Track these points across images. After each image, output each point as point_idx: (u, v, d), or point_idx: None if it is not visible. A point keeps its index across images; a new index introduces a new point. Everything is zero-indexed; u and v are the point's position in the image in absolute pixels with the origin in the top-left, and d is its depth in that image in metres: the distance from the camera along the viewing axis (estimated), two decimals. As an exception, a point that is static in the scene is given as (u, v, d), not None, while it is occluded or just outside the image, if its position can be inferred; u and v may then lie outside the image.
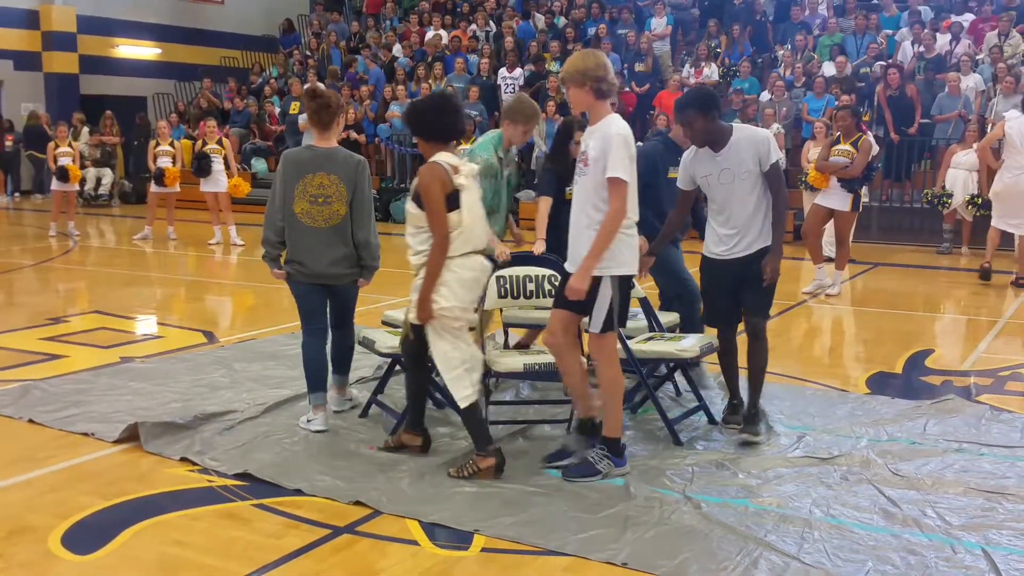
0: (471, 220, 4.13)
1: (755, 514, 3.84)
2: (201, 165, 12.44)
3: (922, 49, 14.38)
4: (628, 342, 4.72)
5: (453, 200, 4.08)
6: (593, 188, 3.98)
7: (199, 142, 13.01)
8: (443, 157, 4.15)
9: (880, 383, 6.02)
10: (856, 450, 4.60)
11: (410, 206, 4.16)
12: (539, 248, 5.14)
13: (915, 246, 12.70)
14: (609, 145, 3.92)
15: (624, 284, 4.10)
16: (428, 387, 4.67)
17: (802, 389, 5.78)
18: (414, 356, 4.39)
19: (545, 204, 5.32)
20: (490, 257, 4.50)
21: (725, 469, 4.35)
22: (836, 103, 13.05)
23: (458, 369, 4.14)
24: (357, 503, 3.91)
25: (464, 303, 4.14)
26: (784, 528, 3.69)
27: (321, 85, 5.27)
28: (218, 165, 12.49)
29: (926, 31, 14.66)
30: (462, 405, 4.14)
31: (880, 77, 13.70)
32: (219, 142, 12.68)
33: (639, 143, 4.65)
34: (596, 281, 3.99)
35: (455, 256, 4.10)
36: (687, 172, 4.70)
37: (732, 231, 4.56)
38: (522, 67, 16.26)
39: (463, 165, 4.19)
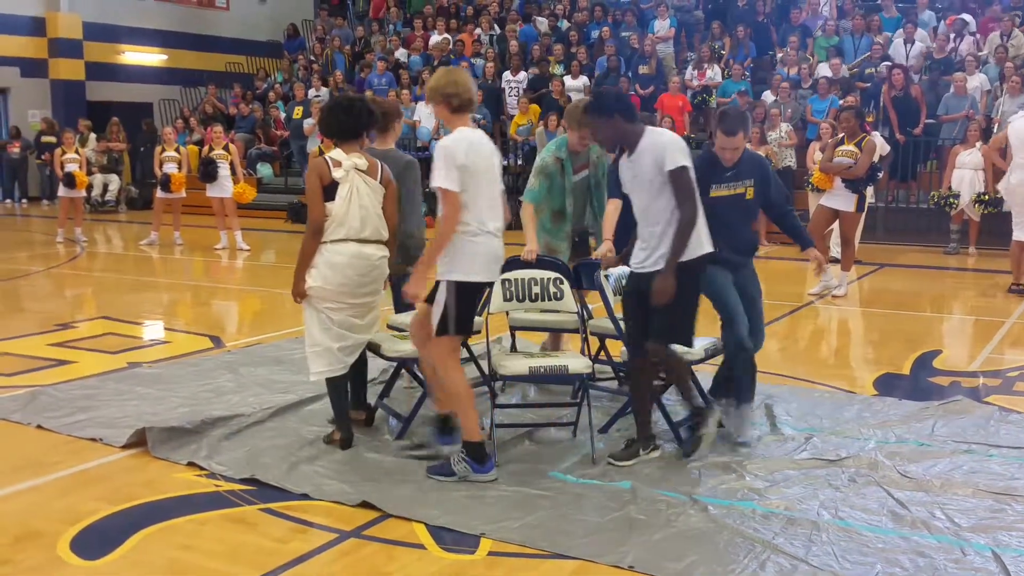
0: (344, 210, 4.46)
1: (762, 516, 3.83)
2: (208, 170, 12.48)
3: (932, 47, 14.35)
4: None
5: (330, 191, 4.45)
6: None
7: (205, 147, 13.04)
8: (332, 152, 4.55)
9: (888, 384, 6.00)
10: (864, 452, 4.59)
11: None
12: (603, 250, 5.14)
13: (921, 247, 12.67)
14: (435, 156, 4.11)
15: (465, 291, 4.11)
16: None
17: (809, 391, 5.77)
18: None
19: (613, 206, 5.24)
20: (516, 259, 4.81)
21: (732, 471, 4.34)
22: (840, 104, 13.05)
23: (316, 348, 4.55)
24: (364, 505, 3.91)
25: (333, 284, 4.46)
26: (792, 530, 3.68)
27: (380, 98, 5.79)
28: (224, 170, 12.52)
29: (939, 33, 14.62)
30: (311, 379, 4.63)
31: (885, 77, 13.67)
32: (225, 147, 12.70)
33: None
34: (437, 284, 4.16)
35: (327, 241, 4.48)
36: (614, 177, 4.63)
37: (644, 243, 4.33)
38: (526, 70, 16.27)
39: (348, 160, 4.50)
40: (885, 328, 7.95)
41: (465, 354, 5.30)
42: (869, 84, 14.00)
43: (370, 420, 4.93)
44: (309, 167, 4.60)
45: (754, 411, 4.98)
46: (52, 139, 18.31)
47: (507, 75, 16.15)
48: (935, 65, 14.07)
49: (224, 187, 12.52)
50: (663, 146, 4.19)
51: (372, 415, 4.96)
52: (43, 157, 18.58)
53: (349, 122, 4.57)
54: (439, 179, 4.02)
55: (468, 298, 4.16)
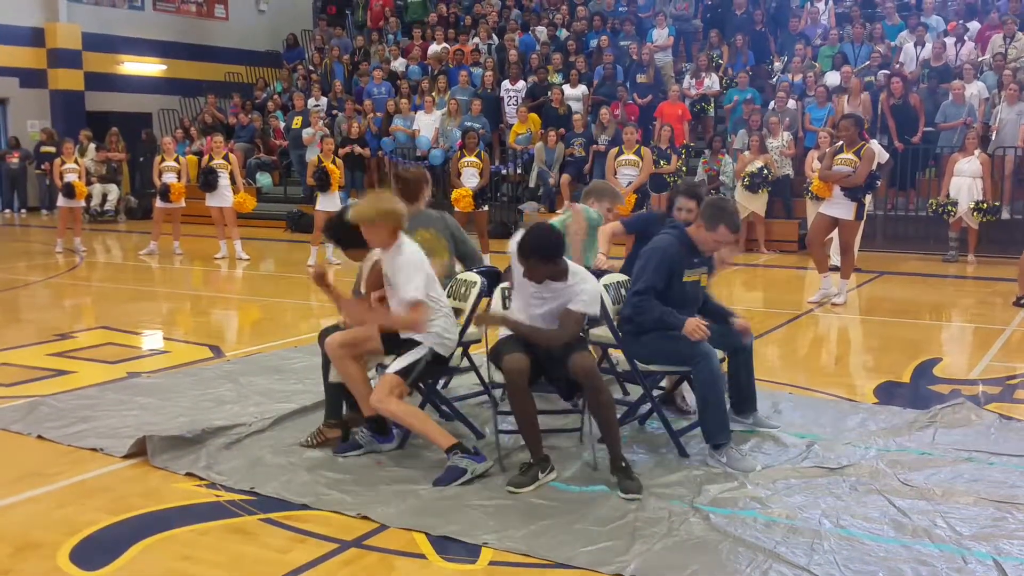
0: None
1: (764, 525, 3.82)
2: (208, 180, 12.49)
3: (928, 56, 14.39)
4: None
5: None
6: None
7: (205, 157, 13.05)
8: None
9: (888, 392, 6.00)
10: (865, 460, 4.58)
11: None
12: (600, 261, 5.79)
13: (921, 254, 12.68)
14: (406, 270, 4.44)
15: (438, 361, 4.60)
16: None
17: (810, 399, 5.76)
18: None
19: (609, 227, 6.02)
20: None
21: (733, 480, 4.33)
22: (836, 112, 13.08)
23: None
24: (364, 517, 3.90)
25: None
26: (794, 539, 3.68)
27: (406, 165, 5.88)
28: (224, 180, 12.54)
29: (936, 39, 14.65)
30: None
31: (884, 86, 13.70)
32: (225, 157, 12.72)
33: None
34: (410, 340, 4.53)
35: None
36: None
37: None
38: (525, 79, 16.31)
39: None
40: (885, 336, 7.95)
41: (466, 363, 5.33)
42: (866, 92, 14.01)
43: (345, 436, 4.82)
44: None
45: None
46: (51, 149, 18.40)
47: (506, 84, 16.20)
48: (933, 73, 14.10)
49: (224, 197, 12.54)
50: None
51: (347, 433, 4.84)
52: (43, 167, 18.64)
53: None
54: (416, 292, 4.36)
55: (436, 367, 4.58)
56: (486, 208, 12.07)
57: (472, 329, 4.88)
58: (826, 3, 16.70)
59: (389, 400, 4.39)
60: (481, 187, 11.91)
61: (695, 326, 4.54)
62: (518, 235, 4.37)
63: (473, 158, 12.12)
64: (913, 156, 13.35)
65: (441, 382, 5.34)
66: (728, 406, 4.93)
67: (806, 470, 4.48)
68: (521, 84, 16.01)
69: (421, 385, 4.80)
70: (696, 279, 4.83)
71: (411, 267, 4.42)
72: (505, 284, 4.81)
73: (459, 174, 12.10)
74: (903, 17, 15.73)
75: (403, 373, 4.45)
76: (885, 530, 3.79)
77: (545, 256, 4.26)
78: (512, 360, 4.27)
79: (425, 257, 4.56)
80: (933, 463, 4.56)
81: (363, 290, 4.89)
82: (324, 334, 4.87)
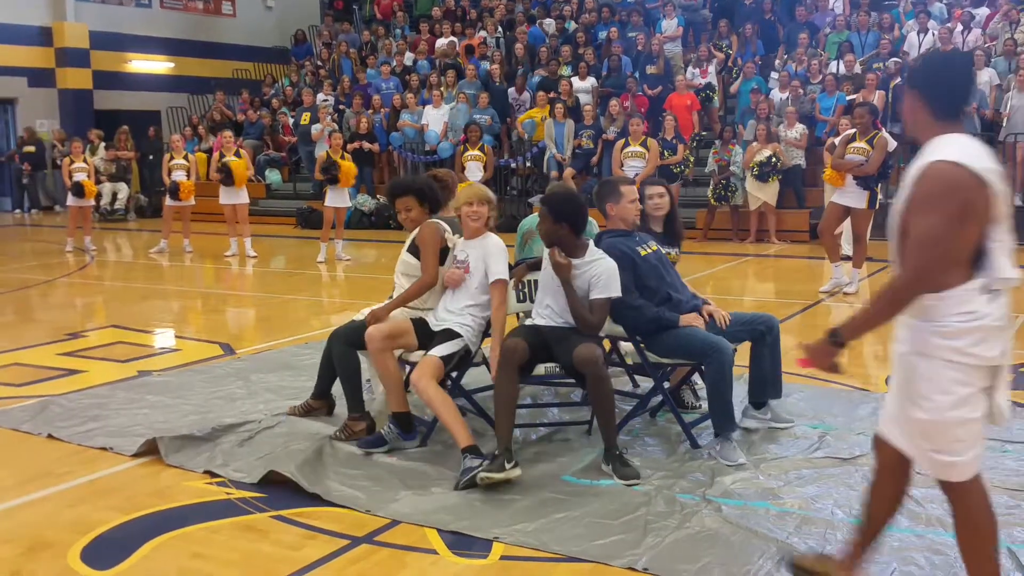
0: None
1: (777, 516, 3.80)
2: (227, 174, 12.40)
3: (932, 44, 14.28)
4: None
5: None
6: None
7: (216, 154, 13.04)
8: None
9: (901, 382, 5.94)
10: (878, 450, 4.54)
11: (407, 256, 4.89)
12: None
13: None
14: (498, 250, 4.71)
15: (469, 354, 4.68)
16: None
17: (822, 388, 5.73)
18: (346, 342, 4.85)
19: None
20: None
21: (745, 471, 4.31)
22: (847, 100, 12.98)
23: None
24: (375, 513, 3.89)
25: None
26: (806, 530, 3.65)
27: (440, 171, 5.95)
28: None
29: (942, 26, 14.55)
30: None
31: (893, 74, 13.59)
32: (236, 154, 12.71)
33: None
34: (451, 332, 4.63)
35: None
36: None
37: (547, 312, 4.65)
38: (532, 71, 16.27)
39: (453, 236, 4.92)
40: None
41: (479, 357, 5.31)
42: (881, 90, 13.87)
43: (330, 410, 5.17)
44: (430, 229, 4.81)
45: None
46: (31, 149, 18.60)
47: (512, 92, 16.12)
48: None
49: (238, 194, 12.52)
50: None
51: (373, 425, 4.93)
52: (24, 167, 19.01)
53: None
54: (504, 274, 4.62)
55: (463, 361, 4.67)
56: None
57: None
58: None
59: (430, 382, 4.38)
60: (485, 180, 11.88)
61: (692, 317, 4.59)
62: (548, 192, 4.62)
63: (476, 152, 12.12)
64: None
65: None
66: (747, 400, 4.91)
67: (818, 460, 4.45)
68: (527, 95, 15.90)
69: (452, 376, 4.81)
70: (653, 250, 4.82)
71: (502, 252, 4.67)
72: (532, 276, 4.84)
73: (463, 168, 12.08)
74: (911, 4, 15.65)
75: (445, 360, 4.50)
76: (898, 519, 3.75)
77: (560, 216, 4.39)
78: (510, 340, 4.33)
79: None
80: (947, 452, 4.51)
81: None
82: (336, 334, 4.88)
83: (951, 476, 2.74)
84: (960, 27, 14.57)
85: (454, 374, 4.78)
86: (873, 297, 2.70)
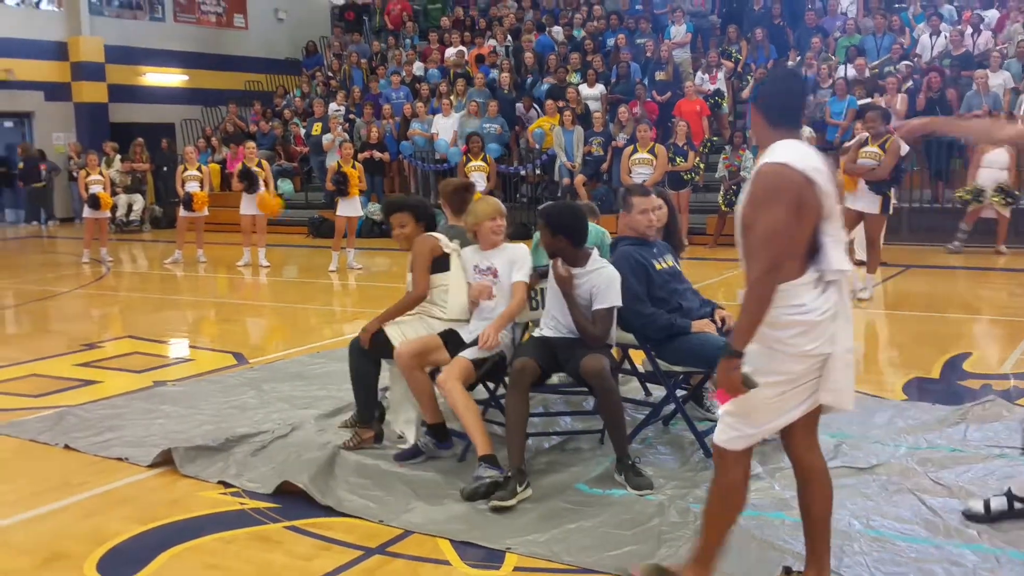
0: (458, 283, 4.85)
1: (792, 527, 3.76)
2: (251, 178, 12.41)
3: (949, 46, 14.23)
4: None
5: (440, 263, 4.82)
6: None
7: (239, 164, 13.07)
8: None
9: (917, 388, 5.92)
10: (895, 459, 4.52)
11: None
12: None
13: (945, 246, 12.51)
14: (524, 256, 4.81)
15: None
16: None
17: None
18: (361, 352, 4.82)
19: None
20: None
21: (760, 480, 4.28)
22: (858, 104, 12.94)
23: None
24: (388, 524, 3.89)
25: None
26: (822, 540, 3.62)
27: (454, 180, 5.97)
28: (260, 188, 12.55)
29: (953, 28, 14.50)
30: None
31: (906, 76, 13.54)
32: (259, 164, 12.75)
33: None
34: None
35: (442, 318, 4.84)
36: None
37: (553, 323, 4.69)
38: (541, 77, 16.29)
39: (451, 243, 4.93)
40: (913, 331, 7.85)
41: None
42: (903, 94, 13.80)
43: (379, 438, 4.91)
44: (420, 242, 4.82)
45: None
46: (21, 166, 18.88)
47: (520, 107, 16.13)
48: (956, 62, 13.94)
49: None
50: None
51: (381, 434, 4.93)
52: (19, 182, 19.33)
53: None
54: (527, 276, 4.69)
55: (497, 369, 4.64)
56: None
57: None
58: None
59: (456, 384, 4.37)
60: (489, 190, 11.89)
61: (704, 323, 4.58)
62: (546, 205, 4.59)
63: (479, 162, 12.16)
64: (938, 148, 13.20)
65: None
66: None
67: (835, 470, 4.36)
68: (534, 112, 15.91)
69: (490, 386, 4.83)
70: (669, 265, 4.81)
71: (526, 256, 4.74)
72: (542, 284, 4.85)
73: (466, 179, 12.12)
74: (921, 7, 15.61)
75: (476, 364, 4.50)
76: (916, 530, 3.73)
77: (557, 228, 4.42)
78: (520, 360, 4.31)
79: None
80: (964, 460, 4.48)
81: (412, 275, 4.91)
82: (356, 345, 4.86)
83: (733, 445, 2.99)
84: (970, 29, 14.52)
85: (491, 385, 4.78)
86: (742, 301, 2.87)
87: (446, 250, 4.82)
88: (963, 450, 4.64)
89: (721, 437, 3.03)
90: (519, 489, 4.06)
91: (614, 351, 5.12)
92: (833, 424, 5.08)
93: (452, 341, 4.67)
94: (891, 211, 9.08)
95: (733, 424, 2.99)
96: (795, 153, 2.88)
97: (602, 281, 4.43)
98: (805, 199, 2.83)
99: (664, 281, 4.70)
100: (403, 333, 4.73)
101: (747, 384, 2.84)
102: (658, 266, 4.73)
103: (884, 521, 3.81)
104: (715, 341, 4.50)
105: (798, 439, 3.10)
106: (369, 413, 4.88)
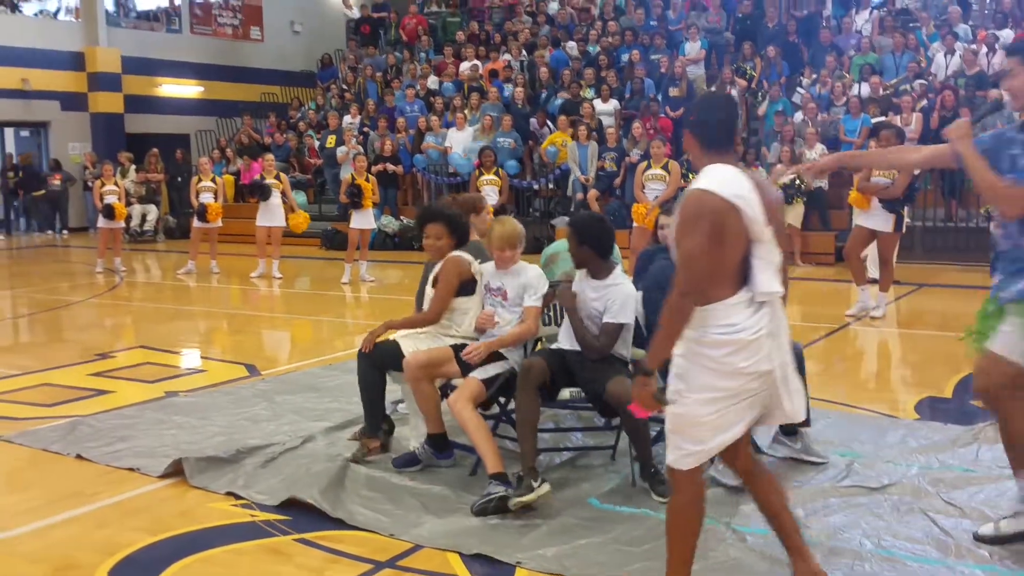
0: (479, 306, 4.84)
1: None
2: (263, 190, 12.49)
3: (963, 66, 14.21)
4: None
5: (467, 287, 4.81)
6: None
7: (257, 176, 13.15)
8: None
9: (930, 408, 5.89)
10: (907, 478, 4.49)
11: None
12: None
13: (961, 265, 12.47)
14: (539, 282, 4.74)
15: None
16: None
17: (849, 415, 5.68)
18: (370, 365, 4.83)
19: None
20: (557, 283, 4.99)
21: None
22: (872, 122, 12.93)
23: None
24: (398, 537, 3.89)
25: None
26: (833, 561, 3.60)
27: (456, 196, 6.01)
28: (275, 199, 12.63)
29: (967, 47, 14.48)
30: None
31: (921, 95, 13.52)
32: (276, 176, 12.82)
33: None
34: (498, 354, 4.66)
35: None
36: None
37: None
38: (555, 93, 16.34)
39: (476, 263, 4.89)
40: (925, 350, 7.82)
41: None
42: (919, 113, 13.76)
43: (385, 447, 4.97)
44: (452, 264, 4.78)
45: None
46: (12, 175, 19.06)
47: (533, 122, 16.17)
48: (970, 81, 13.92)
49: (275, 216, 12.60)
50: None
51: (387, 445, 4.99)
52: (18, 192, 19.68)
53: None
54: (539, 302, 4.65)
55: (509, 385, 4.62)
56: None
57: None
58: (870, 12, 16.56)
59: (467, 405, 4.39)
60: (501, 204, 11.91)
61: None
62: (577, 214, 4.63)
63: (492, 176, 12.20)
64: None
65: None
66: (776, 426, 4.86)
67: (846, 489, 4.40)
68: (547, 129, 15.94)
69: (500, 400, 4.83)
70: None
71: (540, 279, 4.70)
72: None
73: (479, 192, 12.16)
74: (935, 27, 15.60)
75: (487, 383, 4.51)
76: (928, 551, 3.72)
77: (583, 238, 4.42)
78: (528, 360, 4.35)
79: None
80: (977, 481, 4.46)
81: (427, 295, 4.92)
82: (364, 354, 4.86)
83: (679, 464, 3.07)
84: (985, 49, 14.49)
85: (502, 399, 4.80)
86: (660, 320, 3.00)
87: (475, 275, 4.83)
88: (975, 470, 4.61)
89: (670, 457, 3.10)
90: (535, 485, 4.09)
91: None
92: (846, 443, 5.07)
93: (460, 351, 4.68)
94: (904, 229, 9.06)
95: (677, 443, 3.06)
96: (720, 179, 2.96)
97: (618, 297, 4.43)
98: (727, 224, 2.92)
99: None
100: (416, 346, 4.74)
101: (659, 400, 3.00)
102: None
103: (896, 541, 3.79)
104: None
105: (731, 451, 3.17)
106: (376, 422, 4.89)
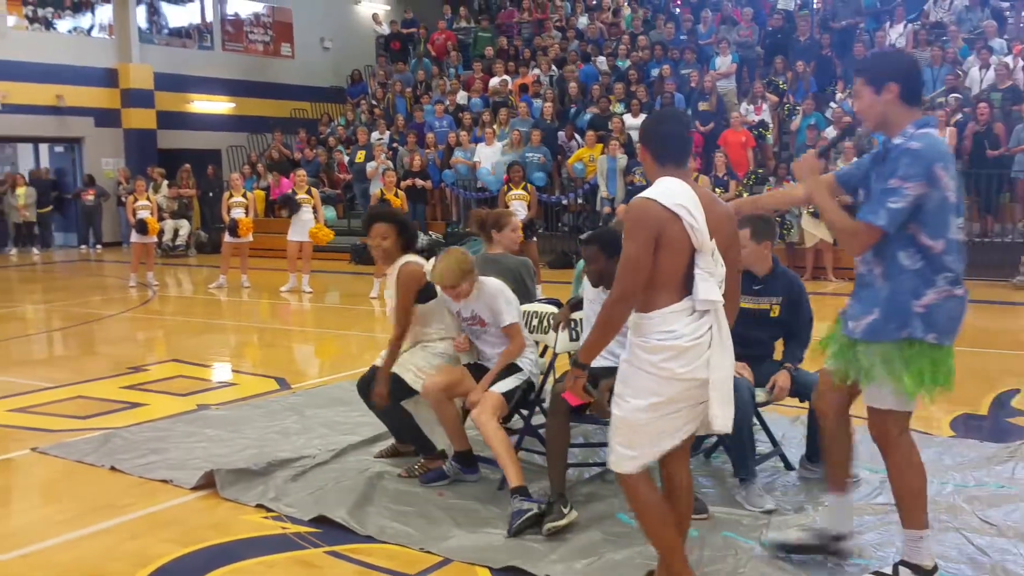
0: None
1: (835, 564, 3.71)
2: (291, 203, 12.61)
3: (996, 80, 14.07)
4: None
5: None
6: None
7: (290, 191, 13.28)
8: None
9: (965, 425, 5.81)
10: (942, 496, 4.43)
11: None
12: None
13: (994, 281, 12.30)
14: (507, 302, 4.69)
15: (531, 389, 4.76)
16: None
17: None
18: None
19: None
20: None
21: (803, 514, 4.23)
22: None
23: None
24: (427, 551, 3.90)
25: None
26: (867, 578, 3.56)
27: (480, 210, 6.02)
28: (307, 215, 12.74)
29: (1001, 60, 14.33)
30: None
31: (955, 110, 13.39)
32: (308, 192, 12.94)
33: None
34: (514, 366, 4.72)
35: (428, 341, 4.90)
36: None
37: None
38: (585, 108, 16.35)
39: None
40: (961, 366, 7.63)
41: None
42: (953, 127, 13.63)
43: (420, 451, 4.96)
44: (405, 275, 4.72)
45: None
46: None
47: (562, 135, 16.20)
48: (1006, 95, 13.76)
49: (306, 231, 12.71)
50: None
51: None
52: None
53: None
54: (515, 316, 4.64)
55: (527, 396, 4.76)
56: (535, 240, 12.07)
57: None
58: (904, 25, 16.45)
59: (491, 420, 4.41)
60: (530, 219, 11.93)
61: (741, 366, 4.40)
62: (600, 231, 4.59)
63: (520, 191, 12.23)
64: (987, 181, 13.01)
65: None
66: (804, 451, 4.81)
67: (879, 506, 4.35)
68: (575, 143, 15.96)
69: (523, 412, 4.84)
70: (760, 307, 4.71)
71: (501, 295, 4.63)
72: (573, 315, 4.82)
73: (507, 207, 12.16)
74: (966, 41, 15.44)
75: (507, 396, 4.54)
76: (962, 569, 3.66)
77: (613, 254, 4.25)
78: (559, 386, 4.31)
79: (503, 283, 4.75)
80: (1013, 499, 4.39)
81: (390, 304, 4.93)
82: (364, 383, 4.93)
83: (622, 468, 3.17)
84: (1021, 62, 14.34)
85: (524, 412, 4.78)
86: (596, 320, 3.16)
87: (429, 278, 4.71)
88: (1012, 488, 4.54)
89: (611, 459, 3.20)
90: (565, 511, 4.07)
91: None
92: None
93: (477, 374, 4.71)
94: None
95: (616, 447, 3.16)
96: (663, 190, 3.08)
97: None
98: (667, 232, 3.03)
99: (742, 324, 4.36)
100: (418, 371, 4.73)
101: (588, 392, 3.25)
102: (744, 304, 4.46)
103: (931, 560, 3.73)
104: (738, 384, 4.40)
105: (671, 454, 3.23)
106: (427, 444, 4.86)
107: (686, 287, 3.08)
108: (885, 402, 3.41)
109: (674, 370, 3.03)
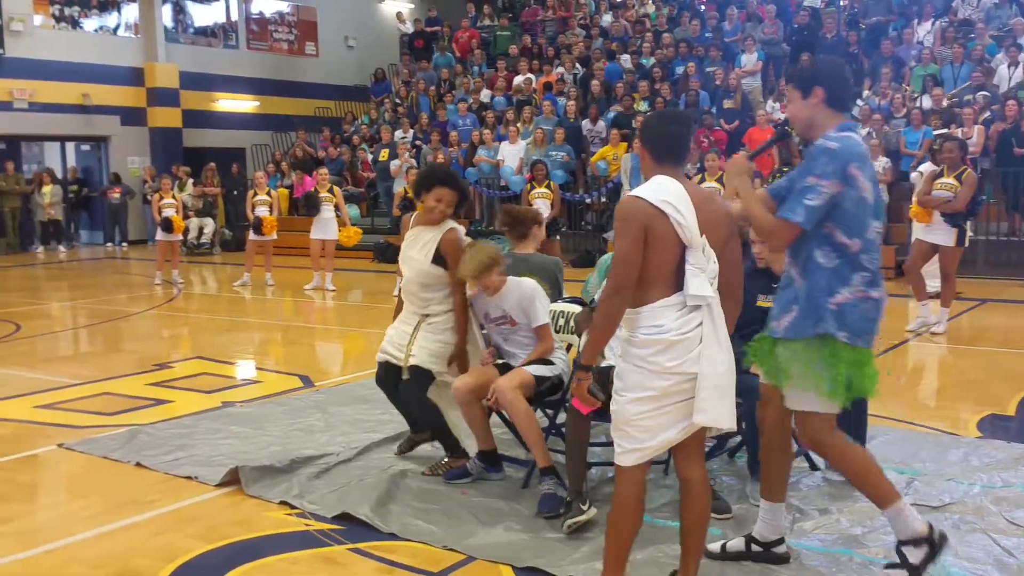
0: None
1: (860, 565, 3.68)
2: (309, 203, 12.67)
3: (1022, 78, 13.90)
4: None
5: None
6: None
7: (312, 189, 13.34)
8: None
9: (992, 426, 5.74)
10: (969, 497, 4.39)
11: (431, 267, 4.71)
12: None
13: (1022, 281, 12.15)
14: (538, 299, 4.71)
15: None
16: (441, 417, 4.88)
17: (909, 432, 5.56)
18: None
19: None
20: None
21: (828, 516, 4.20)
22: (934, 134, 12.69)
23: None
24: (451, 549, 3.90)
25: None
26: (894, 580, 3.52)
27: (514, 206, 5.98)
28: (328, 213, 12.80)
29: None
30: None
31: (983, 107, 13.24)
32: (330, 190, 13.00)
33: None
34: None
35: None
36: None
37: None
38: (608, 107, 16.29)
39: None
40: (988, 366, 7.62)
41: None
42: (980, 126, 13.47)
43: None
44: (454, 236, 4.74)
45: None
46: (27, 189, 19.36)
47: (586, 123, 16.17)
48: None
49: (328, 229, 12.77)
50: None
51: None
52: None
53: None
54: (547, 317, 4.68)
55: (554, 393, 4.73)
56: (558, 239, 12.05)
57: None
58: (932, 23, 16.28)
59: (516, 393, 4.39)
60: (553, 217, 11.92)
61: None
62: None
63: (543, 189, 12.23)
64: (1015, 180, 12.86)
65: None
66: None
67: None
68: (602, 124, 15.94)
69: (549, 412, 4.84)
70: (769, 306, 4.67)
71: (536, 296, 4.65)
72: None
73: (530, 206, 12.16)
74: (994, 38, 15.25)
75: (538, 379, 4.52)
76: (989, 571, 3.62)
77: None
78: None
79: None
80: (1043, 501, 4.33)
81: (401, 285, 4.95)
82: (380, 380, 4.98)
83: (620, 460, 3.19)
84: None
85: (550, 412, 4.79)
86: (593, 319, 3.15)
87: (459, 274, 4.68)
88: (1042, 491, 4.48)
89: (615, 453, 3.22)
90: (584, 508, 4.07)
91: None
92: (907, 461, 4.97)
93: (506, 371, 4.68)
94: (966, 243, 8.86)
95: (617, 441, 3.19)
96: (655, 188, 3.12)
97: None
98: (655, 229, 3.06)
99: (754, 322, 4.36)
100: (432, 360, 4.75)
101: (593, 395, 3.18)
102: (760, 303, 4.52)
103: (956, 560, 3.70)
104: (743, 377, 4.37)
105: (681, 453, 3.27)
106: (456, 444, 4.87)
107: (677, 283, 3.10)
108: (809, 404, 3.42)
109: (663, 364, 3.04)
